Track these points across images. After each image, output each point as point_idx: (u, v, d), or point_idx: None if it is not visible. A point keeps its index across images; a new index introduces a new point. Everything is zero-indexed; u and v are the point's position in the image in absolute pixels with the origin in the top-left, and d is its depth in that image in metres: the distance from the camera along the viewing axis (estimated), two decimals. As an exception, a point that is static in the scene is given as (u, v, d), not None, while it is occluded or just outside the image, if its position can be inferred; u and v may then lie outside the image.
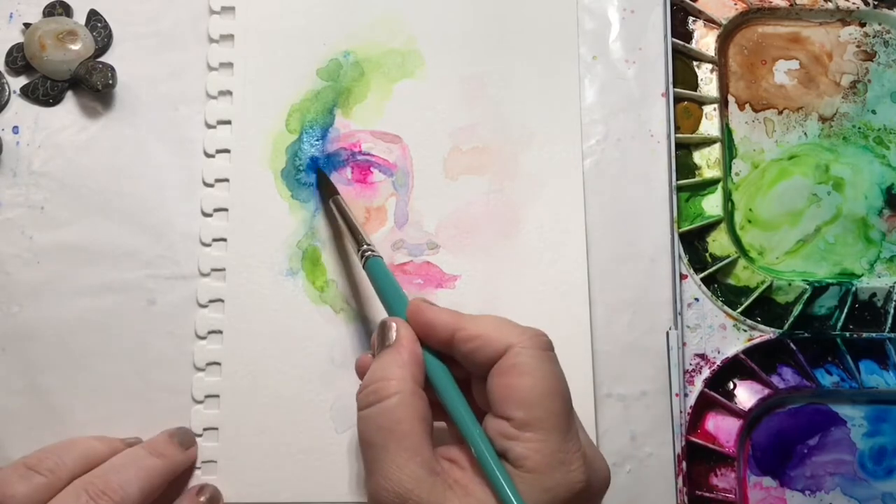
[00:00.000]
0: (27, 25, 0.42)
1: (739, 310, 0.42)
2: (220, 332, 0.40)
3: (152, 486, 0.35)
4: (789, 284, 0.42)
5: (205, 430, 0.39)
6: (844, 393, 0.42)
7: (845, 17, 0.46)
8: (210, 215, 0.41)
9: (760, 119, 0.45)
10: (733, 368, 0.41)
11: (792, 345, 0.41)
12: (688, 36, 0.45)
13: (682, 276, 0.42)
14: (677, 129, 0.43)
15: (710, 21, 0.45)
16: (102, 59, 0.42)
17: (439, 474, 0.30)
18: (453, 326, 0.32)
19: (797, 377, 0.41)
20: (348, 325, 0.40)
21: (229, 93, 0.42)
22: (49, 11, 0.43)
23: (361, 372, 0.34)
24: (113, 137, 0.42)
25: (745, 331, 0.42)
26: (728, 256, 0.42)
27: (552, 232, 0.42)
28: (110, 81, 0.41)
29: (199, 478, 0.38)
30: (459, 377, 0.33)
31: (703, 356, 0.41)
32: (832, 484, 0.41)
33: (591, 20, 0.45)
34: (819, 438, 0.42)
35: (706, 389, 0.41)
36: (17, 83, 0.42)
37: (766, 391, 0.41)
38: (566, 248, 0.41)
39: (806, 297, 0.42)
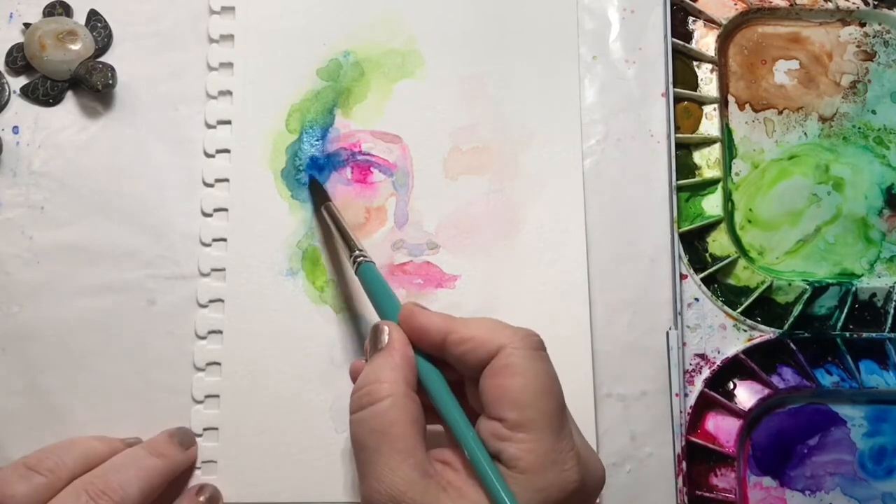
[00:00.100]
0: (27, 25, 0.42)
1: (739, 310, 0.42)
2: (220, 332, 0.40)
3: (152, 486, 0.35)
4: (789, 284, 0.42)
5: (205, 430, 0.39)
6: (844, 393, 0.42)
7: (845, 17, 0.46)
8: (210, 215, 0.41)
9: (760, 119, 0.45)
10: (733, 368, 0.41)
11: (792, 345, 0.41)
12: (688, 36, 0.45)
13: (682, 276, 0.42)
14: (677, 129, 0.43)
15: (710, 21, 0.45)
16: (102, 59, 0.42)
17: (432, 476, 0.30)
18: (445, 329, 0.32)
19: (797, 377, 0.41)
20: (348, 326, 0.40)
21: (229, 93, 0.42)
22: (49, 11, 0.43)
23: (355, 377, 0.33)
24: (113, 137, 0.42)
25: (745, 331, 0.42)
26: (728, 256, 0.42)
27: (552, 232, 0.42)
28: (110, 81, 0.41)
29: (199, 478, 0.38)
30: (452, 380, 0.33)
31: (703, 356, 0.41)
32: (832, 484, 0.41)
33: (591, 20, 0.45)
34: (819, 438, 0.42)
35: (706, 389, 0.41)
36: (17, 83, 0.42)
37: (766, 391, 0.41)
38: (566, 248, 0.41)
39: (806, 297, 0.42)
